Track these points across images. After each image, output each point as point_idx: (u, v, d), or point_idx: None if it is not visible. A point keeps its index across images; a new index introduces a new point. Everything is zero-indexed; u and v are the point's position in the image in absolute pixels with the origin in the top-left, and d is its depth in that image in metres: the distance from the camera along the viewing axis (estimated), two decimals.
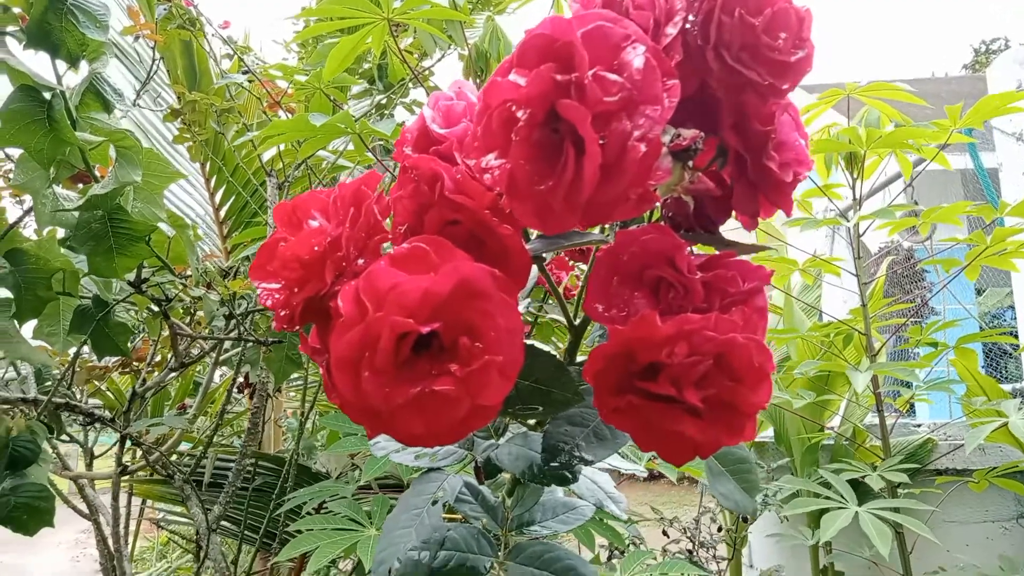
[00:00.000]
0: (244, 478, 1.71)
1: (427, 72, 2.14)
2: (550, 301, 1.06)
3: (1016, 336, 3.38)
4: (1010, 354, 5.24)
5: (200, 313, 1.44)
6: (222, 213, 2.40)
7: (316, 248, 0.36)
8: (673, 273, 0.38)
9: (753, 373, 0.37)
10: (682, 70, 0.36)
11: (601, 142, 0.32)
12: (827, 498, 1.54)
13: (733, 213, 0.43)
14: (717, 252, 0.40)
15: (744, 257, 0.41)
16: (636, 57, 0.32)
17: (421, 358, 0.35)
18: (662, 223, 0.42)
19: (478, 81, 1.96)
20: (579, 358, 0.55)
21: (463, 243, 0.40)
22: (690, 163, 0.36)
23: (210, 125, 1.61)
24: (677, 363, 0.36)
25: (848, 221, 1.64)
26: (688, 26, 0.36)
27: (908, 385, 2.19)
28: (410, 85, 2.03)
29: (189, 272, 1.32)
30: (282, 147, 2.04)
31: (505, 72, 0.35)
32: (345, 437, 1.20)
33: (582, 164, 0.32)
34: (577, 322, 0.53)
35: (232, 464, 1.60)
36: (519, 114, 0.33)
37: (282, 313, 0.37)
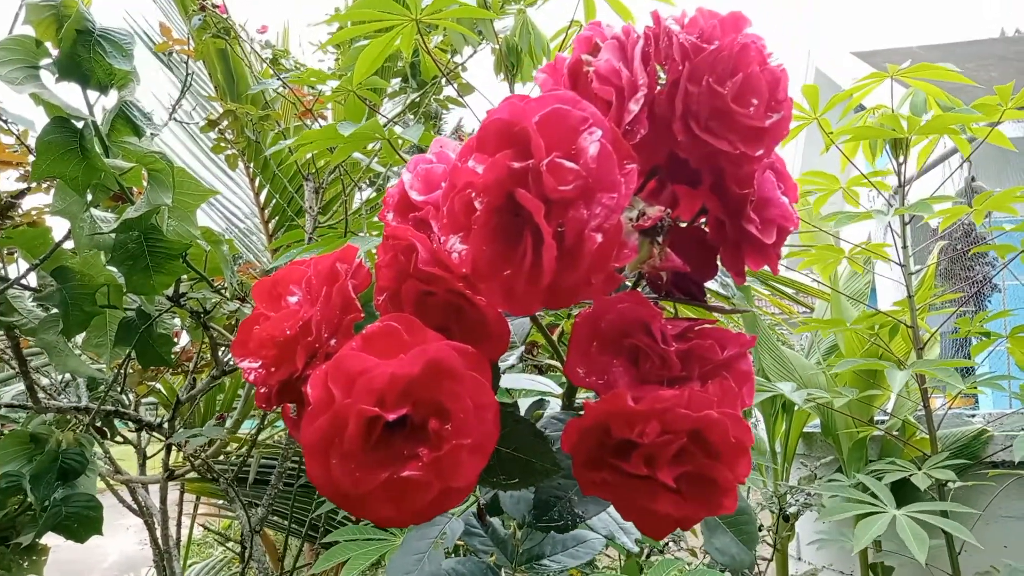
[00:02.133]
0: (289, 475, 1.76)
1: (459, 68, 2.14)
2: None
3: None
4: None
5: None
6: (266, 213, 2.45)
7: (288, 331, 0.37)
8: (649, 342, 0.38)
9: (730, 448, 0.36)
10: (649, 142, 0.35)
11: (560, 230, 0.32)
12: (863, 501, 1.50)
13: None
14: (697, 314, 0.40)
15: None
16: (592, 143, 0.31)
17: (393, 438, 0.36)
18: (640, 289, 0.41)
19: (509, 76, 1.94)
20: (581, 399, 0.55)
21: (441, 311, 0.41)
22: (659, 239, 0.35)
23: (246, 134, 1.64)
24: (649, 442, 0.35)
25: (887, 214, 1.58)
26: (656, 95, 0.35)
27: (970, 371, 2.11)
28: (443, 82, 2.04)
29: (226, 284, 1.36)
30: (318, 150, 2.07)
31: (467, 154, 0.34)
32: None
33: (540, 252, 0.31)
34: None
35: (277, 463, 1.65)
36: (476, 202, 0.33)
37: (261, 391, 0.38)
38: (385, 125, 1.33)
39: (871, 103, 1.78)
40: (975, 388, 1.93)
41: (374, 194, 2.14)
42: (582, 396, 0.56)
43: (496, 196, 0.32)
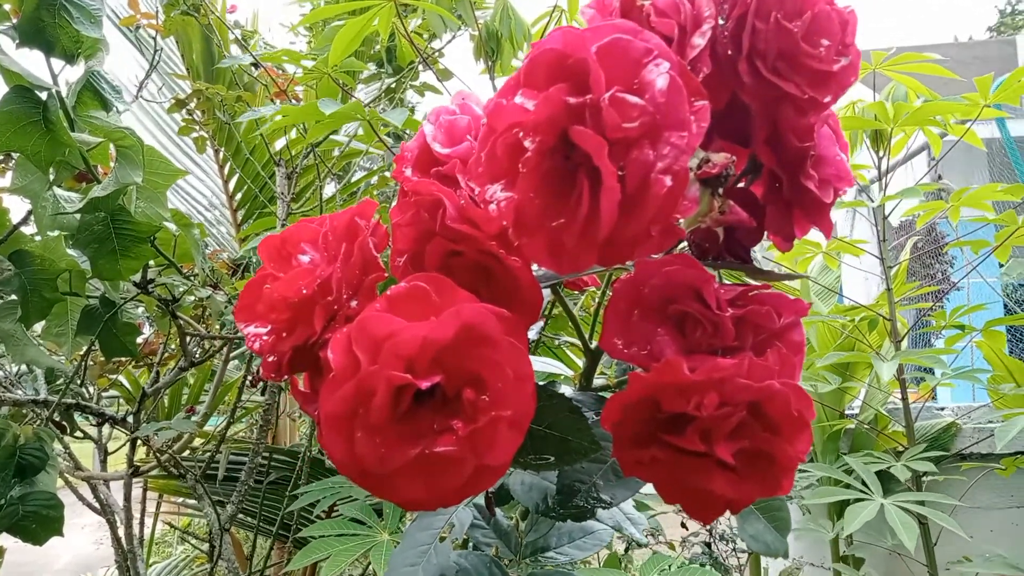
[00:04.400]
0: (259, 472, 1.70)
1: (437, 54, 2.09)
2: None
3: None
4: None
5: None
6: (235, 201, 2.37)
7: (304, 291, 0.32)
8: (701, 308, 0.35)
9: (791, 422, 0.33)
10: (711, 83, 0.32)
11: (620, 174, 0.28)
12: (851, 487, 1.50)
13: (765, 235, 0.39)
14: (748, 282, 0.37)
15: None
16: (659, 76, 0.28)
17: (422, 410, 0.32)
18: (687, 251, 0.38)
19: (489, 63, 1.91)
20: (597, 381, 0.52)
21: (469, 274, 0.37)
22: (720, 191, 0.32)
23: (217, 116, 1.58)
24: (707, 415, 0.32)
25: (873, 202, 1.58)
26: (717, 33, 0.32)
27: (931, 371, 2.13)
28: (420, 68, 1.99)
29: (196, 271, 1.30)
30: (292, 135, 2.00)
31: (511, 91, 0.31)
32: None
33: (599, 199, 0.28)
34: (593, 345, 0.49)
35: (247, 459, 1.59)
36: (527, 142, 0.29)
37: (269, 359, 0.34)
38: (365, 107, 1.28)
39: (848, 98, 1.78)
40: (947, 383, 1.95)
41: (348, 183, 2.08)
42: (598, 379, 0.53)
43: (549, 135, 0.29)
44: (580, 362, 0.57)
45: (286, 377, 0.34)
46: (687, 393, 0.32)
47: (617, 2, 0.33)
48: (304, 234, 0.36)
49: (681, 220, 0.31)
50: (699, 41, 0.30)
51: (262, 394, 1.62)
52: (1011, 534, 2.07)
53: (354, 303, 0.33)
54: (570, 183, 0.30)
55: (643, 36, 0.29)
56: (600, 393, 0.50)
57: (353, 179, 2.21)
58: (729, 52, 0.31)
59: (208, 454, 1.69)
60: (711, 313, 0.34)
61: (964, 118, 1.60)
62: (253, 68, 1.71)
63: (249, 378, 1.70)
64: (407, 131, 2.20)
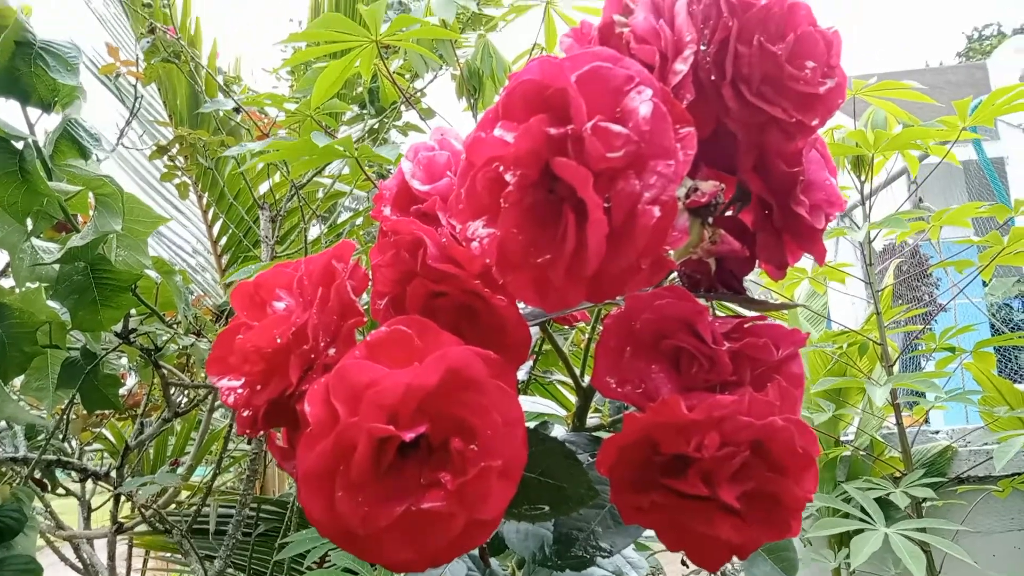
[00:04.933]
0: (247, 524, 1.66)
1: (419, 94, 2.10)
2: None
3: None
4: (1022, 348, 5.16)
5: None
6: (220, 246, 2.35)
7: (279, 339, 0.31)
8: (695, 343, 0.33)
9: (796, 460, 0.31)
10: (695, 110, 0.31)
11: (606, 206, 0.27)
12: (851, 516, 1.47)
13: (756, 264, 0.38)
14: (740, 314, 0.35)
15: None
16: (643, 103, 0.27)
17: (407, 463, 0.30)
18: (677, 283, 0.37)
19: (472, 100, 1.92)
20: (591, 420, 0.50)
21: (453, 315, 0.35)
22: (710, 220, 0.31)
23: (200, 161, 1.57)
24: (709, 456, 0.30)
25: (859, 228, 1.58)
26: (699, 58, 0.31)
27: (923, 394, 2.12)
28: (403, 108, 2.00)
29: (179, 318, 1.27)
30: (276, 178, 2.00)
31: (490, 124, 0.30)
32: None
33: (585, 233, 0.27)
34: (585, 383, 0.47)
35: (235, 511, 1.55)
36: (508, 176, 0.28)
37: (244, 414, 0.32)
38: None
39: (828, 124, 1.79)
40: (940, 406, 1.94)
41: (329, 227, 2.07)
42: (592, 418, 0.51)
43: (531, 168, 0.28)
44: (573, 398, 0.55)
45: (262, 432, 0.32)
46: (686, 433, 0.31)
47: (595, 31, 0.33)
48: (278, 279, 0.35)
49: (671, 251, 0.29)
50: (681, 67, 0.30)
51: (248, 443, 1.58)
52: (1014, 557, 2.03)
53: (332, 351, 0.32)
54: (554, 217, 0.28)
55: (624, 63, 0.28)
56: (594, 433, 0.48)
57: (339, 220, 2.20)
58: (712, 77, 0.30)
59: (194, 507, 1.65)
60: (706, 348, 0.33)
61: (943, 140, 1.62)
62: (236, 113, 1.70)
63: (235, 427, 1.66)
64: (392, 169, 2.20)
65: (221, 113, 1.78)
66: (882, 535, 1.39)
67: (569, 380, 0.48)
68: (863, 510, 1.56)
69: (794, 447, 0.31)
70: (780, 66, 0.30)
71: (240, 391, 0.32)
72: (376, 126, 2.10)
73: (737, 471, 0.31)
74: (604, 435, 0.45)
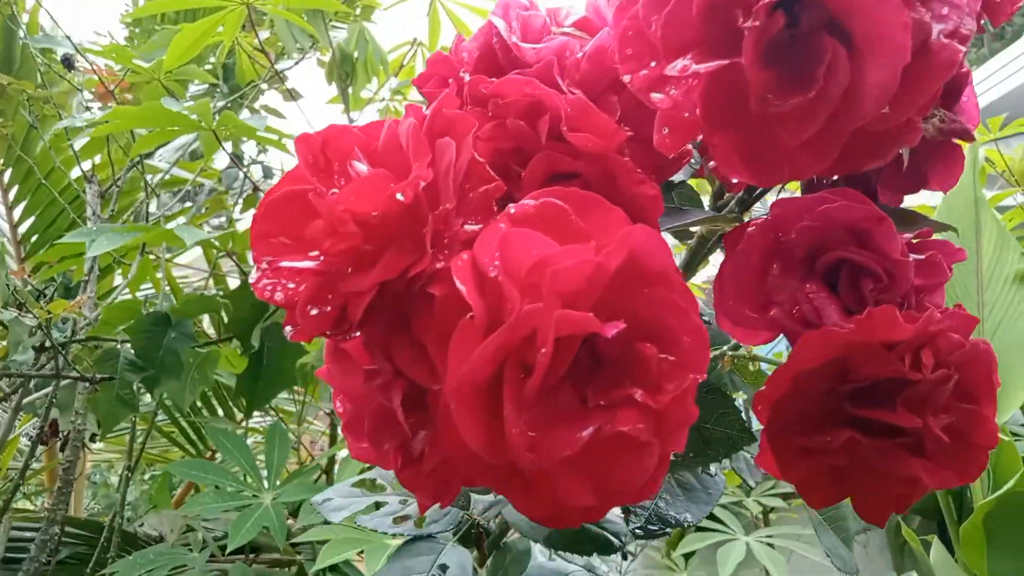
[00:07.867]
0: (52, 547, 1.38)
1: (281, 75, 1.94)
2: None
3: None
4: None
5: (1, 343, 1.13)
6: (21, 230, 1.99)
7: (403, 198, 0.21)
8: (870, 255, 0.28)
9: (991, 390, 0.27)
10: None
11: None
12: (717, 531, 1.50)
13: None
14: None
15: None
16: None
17: (578, 374, 0.22)
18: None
19: (343, 86, 1.80)
20: None
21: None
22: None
23: (20, 116, 1.31)
24: (927, 378, 0.25)
25: None
26: None
27: None
28: (263, 87, 1.82)
29: None
30: (98, 160, 1.72)
31: None
32: (209, 491, 0.97)
33: (864, 67, 0.20)
34: None
35: (32, 533, 1.29)
36: None
37: (312, 311, 0.22)
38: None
39: None
40: None
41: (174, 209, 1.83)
42: None
43: None
44: None
45: (340, 336, 0.22)
46: (900, 351, 0.25)
47: None
48: (350, 138, 0.25)
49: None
50: None
51: (62, 450, 1.32)
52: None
53: (469, 226, 0.22)
54: (797, 56, 0.22)
55: None
56: None
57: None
58: None
59: None
60: (886, 260, 0.28)
61: None
62: (67, 69, 1.45)
63: (41, 433, 1.39)
64: (250, 156, 2.01)
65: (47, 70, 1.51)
66: (743, 544, 1.43)
67: None
68: (714, 518, 1.61)
69: (993, 373, 0.27)
70: None
71: (315, 275, 0.22)
72: (229, 106, 1.89)
73: (947, 400, 0.26)
74: None
